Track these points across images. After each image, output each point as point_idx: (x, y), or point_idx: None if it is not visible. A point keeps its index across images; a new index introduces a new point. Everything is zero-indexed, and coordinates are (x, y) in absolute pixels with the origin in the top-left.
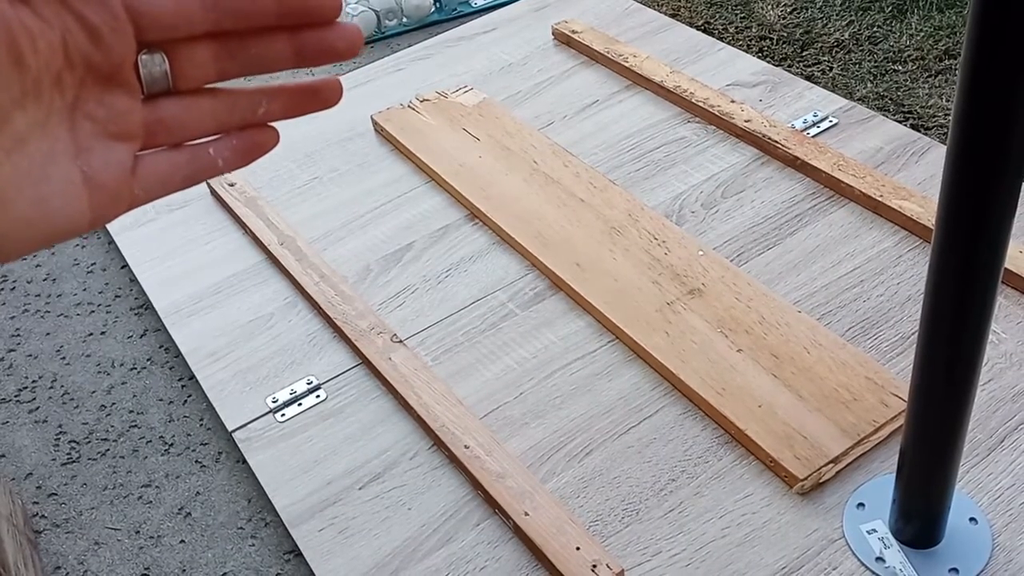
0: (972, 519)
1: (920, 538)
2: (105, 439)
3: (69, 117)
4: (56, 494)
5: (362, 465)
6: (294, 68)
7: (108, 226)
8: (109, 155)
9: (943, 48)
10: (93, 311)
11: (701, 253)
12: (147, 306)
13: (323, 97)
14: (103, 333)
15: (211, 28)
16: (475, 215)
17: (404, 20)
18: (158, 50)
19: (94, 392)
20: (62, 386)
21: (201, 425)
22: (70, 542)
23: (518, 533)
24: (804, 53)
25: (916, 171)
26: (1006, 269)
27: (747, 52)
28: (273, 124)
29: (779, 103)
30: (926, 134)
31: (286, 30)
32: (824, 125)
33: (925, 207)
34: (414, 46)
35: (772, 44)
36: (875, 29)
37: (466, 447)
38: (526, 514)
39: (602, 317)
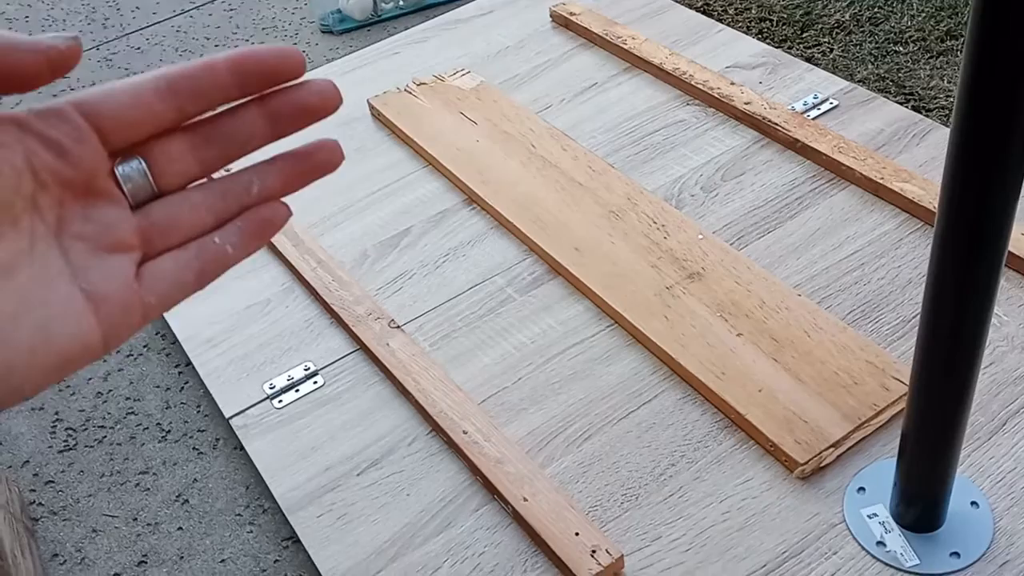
0: (974, 503)
1: (921, 522)
2: (102, 426)
3: (57, 239)
4: (53, 481)
5: (360, 451)
6: (274, 140)
7: None
8: (107, 269)
9: (945, 29)
10: None
11: (701, 237)
12: None
13: (321, 160)
14: None
15: (176, 116)
16: (473, 200)
17: (400, 3)
18: (134, 156)
19: (90, 379)
20: None
21: (198, 412)
22: (68, 529)
23: (517, 518)
24: (804, 34)
25: (917, 153)
26: (1009, 252)
27: (747, 34)
28: (283, 201)
29: (779, 85)
30: (927, 116)
31: (255, 101)
32: (824, 107)
33: (926, 189)
34: (411, 29)
35: (772, 25)
36: (876, 10)
37: (464, 433)
38: (525, 499)
39: (601, 302)
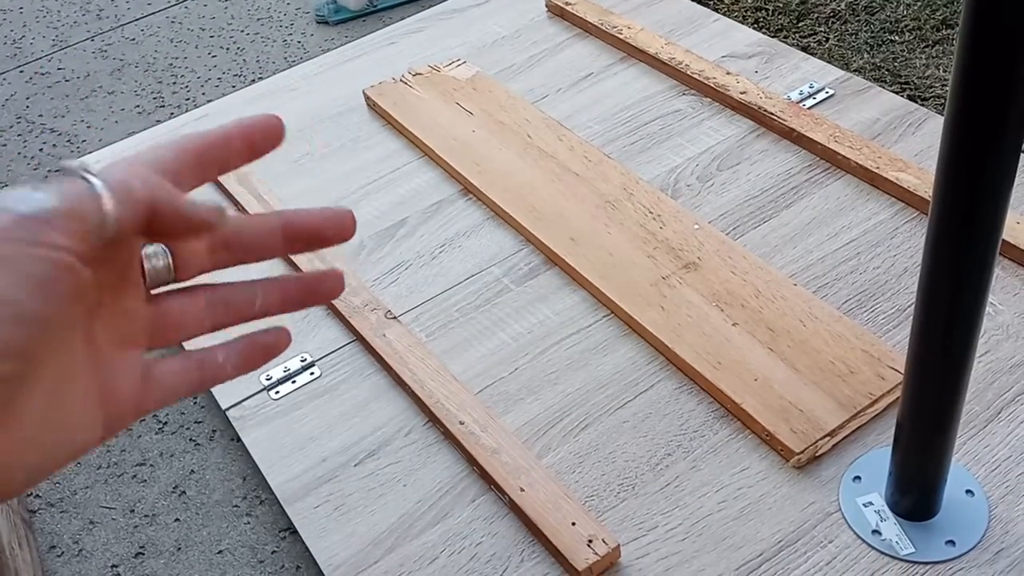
0: (969, 491)
1: (917, 510)
2: None
3: (86, 325)
4: None
5: (357, 442)
6: (285, 255)
7: None
8: (123, 364)
9: (940, 18)
10: None
11: (696, 227)
12: None
13: (324, 289)
14: None
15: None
16: (469, 190)
17: None
18: (160, 244)
19: None
20: None
21: (195, 403)
22: (65, 521)
23: (514, 509)
24: (800, 24)
25: (913, 142)
26: (1004, 240)
27: (743, 23)
28: (284, 327)
29: (775, 75)
30: (923, 105)
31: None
32: (820, 96)
33: (922, 179)
34: (406, 19)
35: (768, 15)
36: None
37: (461, 423)
38: (521, 490)
39: (597, 292)
